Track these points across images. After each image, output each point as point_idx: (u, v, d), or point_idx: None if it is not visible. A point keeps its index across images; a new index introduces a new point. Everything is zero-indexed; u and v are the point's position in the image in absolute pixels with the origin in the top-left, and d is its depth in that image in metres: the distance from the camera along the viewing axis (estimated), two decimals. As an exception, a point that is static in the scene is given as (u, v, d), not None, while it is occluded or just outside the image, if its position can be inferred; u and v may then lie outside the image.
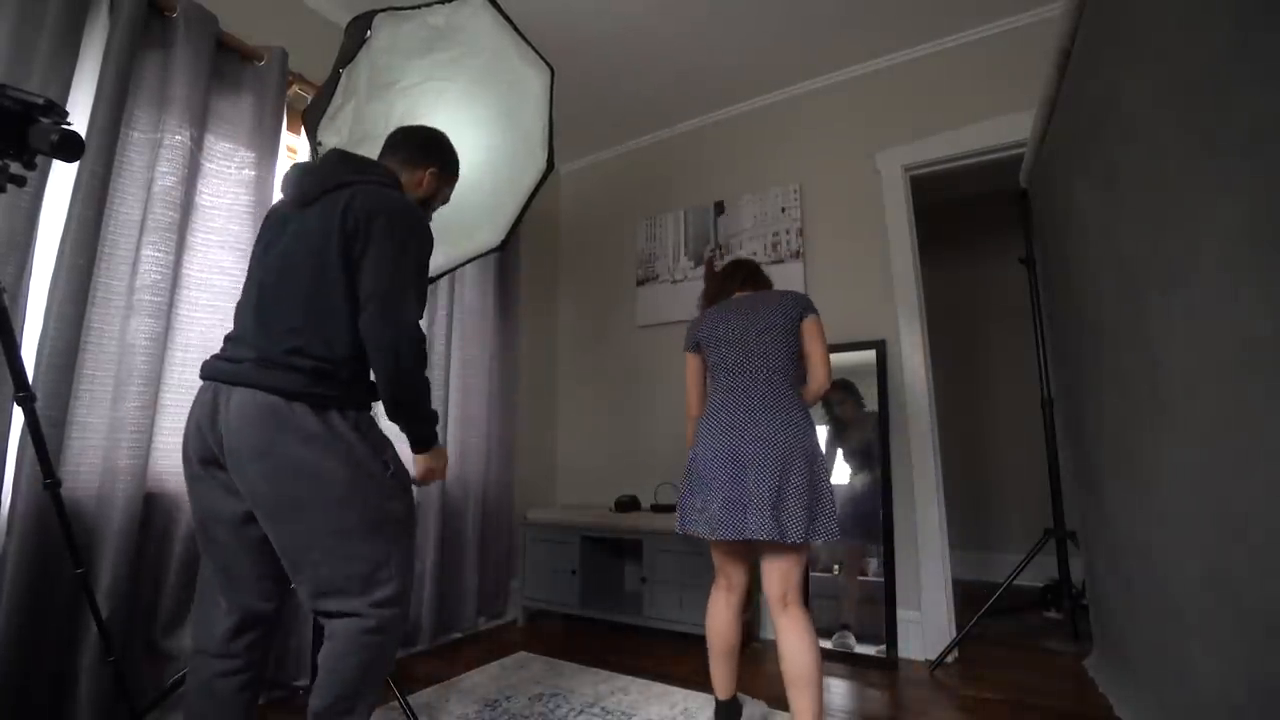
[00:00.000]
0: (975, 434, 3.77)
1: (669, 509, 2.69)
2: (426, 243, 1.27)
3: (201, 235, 1.84)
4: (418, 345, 1.19)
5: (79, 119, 1.51)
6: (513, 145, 2.12)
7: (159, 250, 1.70)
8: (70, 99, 1.54)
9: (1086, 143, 1.50)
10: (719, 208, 3.05)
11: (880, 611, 2.30)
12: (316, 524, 1.12)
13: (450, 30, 1.91)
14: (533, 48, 1.98)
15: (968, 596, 2.68)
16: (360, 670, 1.13)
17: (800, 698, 1.41)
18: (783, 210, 2.87)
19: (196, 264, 1.82)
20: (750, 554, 1.63)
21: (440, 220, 1.76)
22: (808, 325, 1.62)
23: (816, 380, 1.62)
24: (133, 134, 1.68)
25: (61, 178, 1.53)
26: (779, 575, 1.50)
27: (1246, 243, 0.83)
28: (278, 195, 2.00)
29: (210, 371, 1.17)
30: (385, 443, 1.23)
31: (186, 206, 1.78)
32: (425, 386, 1.24)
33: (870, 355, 2.54)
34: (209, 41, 1.83)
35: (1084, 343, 1.72)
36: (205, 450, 1.15)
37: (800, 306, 1.63)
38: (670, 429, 3.02)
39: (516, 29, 1.95)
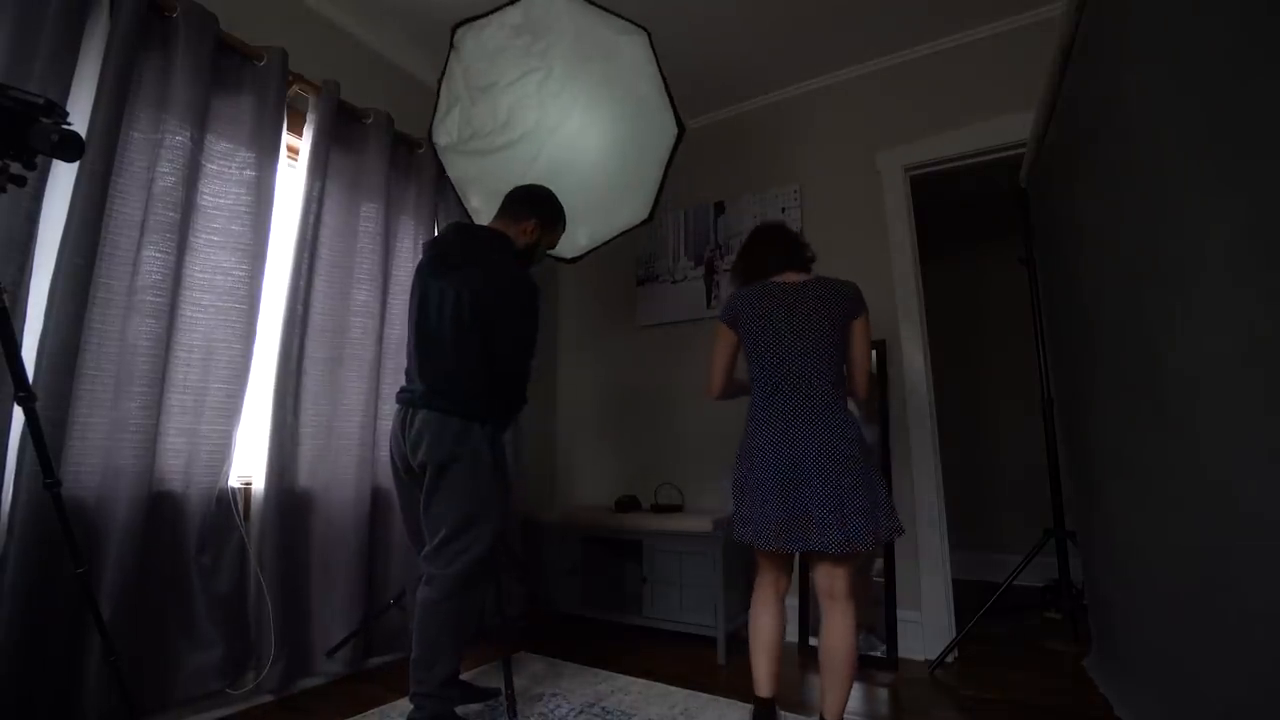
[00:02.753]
0: (975, 434, 3.77)
1: (669, 509, 2.68)
2: (536, 308, 1.72)
3: (204, 236, 1.84)
4: (524, 388, 1.73)
5: (79, 119, 1.51)
6: (632, 116, 2.10)
7: (159, 250, 1.70)
8: (70, 99, 1.54)
9: (1086, 143, 1.50)
10: (719, 208, 3.05)
11: (880, 611, 2.30)
12: (443, 498, 1.58)
13: (530, 23, 2.01)
14: (618, 16, 1.96)
15: (968, 596, 2.68)
16: (438, 632, 1.54)
17: (830, 682, 1.47)
18: (783, 210, 2.86)
19: (198, 265, 1.82)
20: (794, 555, 1.61)
21: (579, 204, 1.90)
22: (857, 326, 1.59)
23: (857, 386, 1.61)
24: (133, 134, 1.68)
25: (62, 178, 1.53)
26: (828, 573, 1.52)
27: (1247, 242, 0.83)
28: (279, 196, 2.02)
29: (401, 398, 1.69)
30: (504, 452, 1.71)
31: (187, 207, 1.78)
32: (523, 400, 1.75)
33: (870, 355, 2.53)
34: (209, 41, 1.83)
35: (1084, 343, 1.72)
36: (400, 449, 1.65)
37: (851, 305, 1.57)
38: (671, 429, 3.02)
39: (594, 3, 1.95)
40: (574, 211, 1.99)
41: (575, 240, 2.20)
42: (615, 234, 2.23)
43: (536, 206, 1.81)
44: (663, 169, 2.11)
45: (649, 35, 1.98)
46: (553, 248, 1.89)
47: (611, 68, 2.07)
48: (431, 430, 1.58)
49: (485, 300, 1.61)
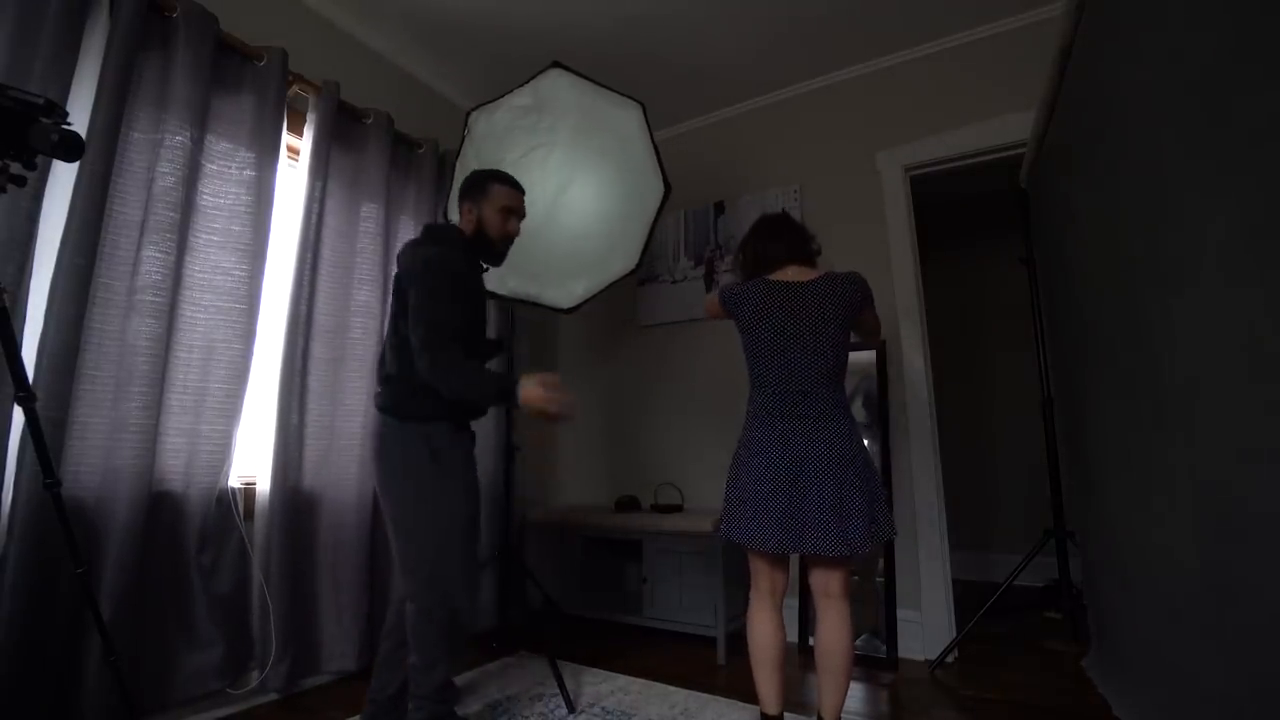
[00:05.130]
0: (975, 434, 3.77)
1: (669, 509, 2.69)
2: (436, 284, 1.51)
3: (204, 236, 1.84)
4: (450, 374, 1.47)
5: (79, 119, 1.51)
6: (627, 179, 2.32)
7: (159, 250, 1.70)
8: (70, 99, 1.54)
9: (1086, 143, 1.50)
10: (719, 208, 3.05)
11: (880, 611, 2.30)
12: (392, 511, 1.51)
13: (539, 103, 2.25)
14: (618, 93, 2.21)
15: (968, 596, 2.68)
16: (436, 639, 1.50)
17: (827, 682, 1.46)
18: (783, 210, 2.86)
19: (198, 264, 1.82)
20: (789, 557, 1.59)
21: (576, 256, 2.03)
22: (865, 313, 1.60)
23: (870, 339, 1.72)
24: (133, 134, 1.68)
25: (62, 178, 1.53)
26: (824, 574, 1.51)
27: (1246, 242, 0.83)
28: (279, 196, 2.02)
29: None
30: (446, 450, 1.53)
31: (187, 207, 1.78)
32: (465, 385, 1.50)
33: (870, 355, 2.53)
34: (209, 41, 1.83)
35: (1084, 343, 1.72)
36: None
37: (858, 300, 1.55)
38: (671, 429, 3.02)
39: (596, 81, 2.21)
40: (573, 266, 2.15)
41: (573, 291, 2.36)
42: (608, 283, 2.39)
43: (466, 192, 1.69)
44: (650, 224, 2.28)
45: (643, 108, 2.22)
46: (511, 211, 1.69)
47: (610, 139, 2.28)
48: (374, 433, 1.55)
49: (400, 288, 1.55)
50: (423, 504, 1.49)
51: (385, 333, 1.65)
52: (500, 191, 1.68)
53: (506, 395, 1.48)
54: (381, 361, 1.61)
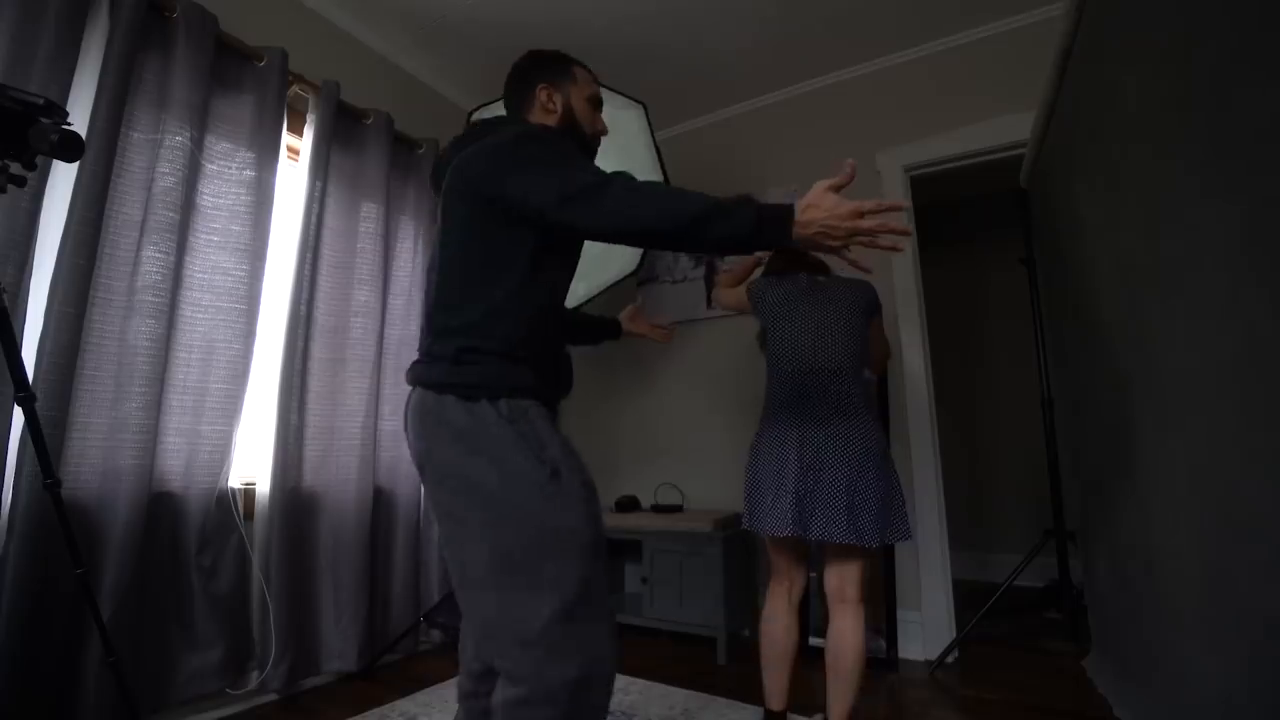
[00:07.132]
0: (975, 434, 3.76)
1: (669, 509, 2.68)
2: (559, 144, 1.02)
3: (204, 236, 1.84)
4: (633, 200, 0.91)
5: (79, 119, 1.51)
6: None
7: (160, 251, 1.70)
8: (70, 99, 1.54)
9: (1086, 143, 1.50)
10: (719, 208, 3.05)
11: (880, 612, 2.30)
12: (472, 545, 0.93)
13: None
14: (620, 93, 2.21)
15: (968, 596, 2.68)
16: None
17: (837, 686, 1.46)
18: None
19: (198, 265, 1.82)
20: (809, 552, 1.62)
21: (581, 262, 1.91)
22: (875, 324, 1.67)
23: (874, 368, 1.76)
24: (133, 134, 1.68)
25: (62, 178, 1.53)
26: (842, 573, 1.51)
27: (1246, 243, 0.83)
28: (279, 196, 2.01)
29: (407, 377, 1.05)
30: (552, 439, 0.96)
31: (187, 207, 1.78)
32: (672, 208, 0.90)
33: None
34: (209, 42, 1.83)
35: (1084, 343, 1.72)
36: (414, 458, 1.02)
37: (870, 303, 1.63)
38: (670, 429, 3.02)
39: (602, 83, 2.18)
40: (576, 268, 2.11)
41: (574, 292, 2.34)
42: (607, 285, 2.37)
43: (534, 71, 1.16)
44: None
45: (645, 107, 2.21)
46: (600, 105, 1.22)
47: (615, 139, 2.29)
48: (423, 423, 0.97)
49: (468, 181, 1.00)
50: (544, 519, 0.93)
51: (430, 271, 1.07)
52: (587, 78, 1.19)
53: (771, 219, 0.88)
54: (428, 320, 1.04)
